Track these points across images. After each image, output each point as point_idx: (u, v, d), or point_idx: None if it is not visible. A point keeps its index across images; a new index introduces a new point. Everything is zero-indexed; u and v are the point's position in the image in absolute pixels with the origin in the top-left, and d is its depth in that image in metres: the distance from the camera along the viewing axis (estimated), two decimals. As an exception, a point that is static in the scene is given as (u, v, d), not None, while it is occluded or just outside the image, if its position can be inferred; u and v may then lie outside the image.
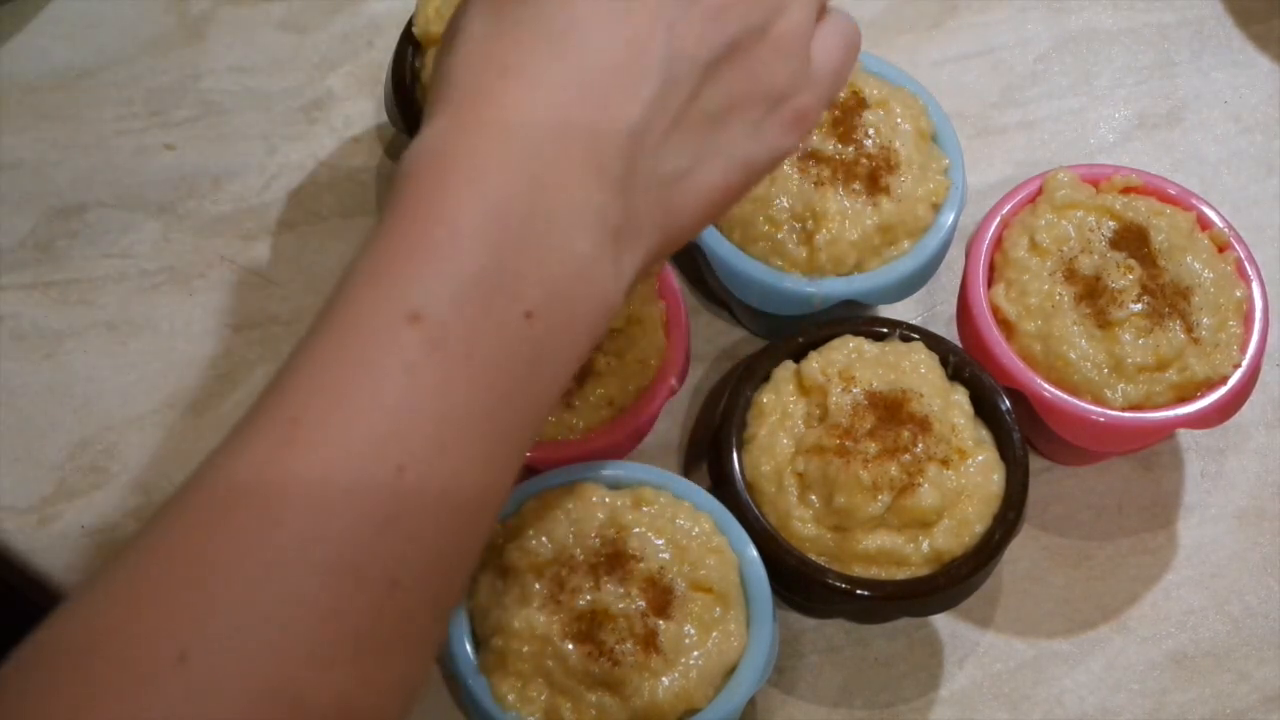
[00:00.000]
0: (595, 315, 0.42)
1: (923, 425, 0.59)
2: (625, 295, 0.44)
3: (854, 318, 0.64)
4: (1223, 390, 0.62)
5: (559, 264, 0.41)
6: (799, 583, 0.58)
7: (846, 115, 0.66)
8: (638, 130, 0.42)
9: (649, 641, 0.54)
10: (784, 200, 0.64)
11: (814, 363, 0.61)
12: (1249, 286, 0.65)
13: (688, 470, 0.67)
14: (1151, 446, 0.68)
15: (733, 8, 0.44)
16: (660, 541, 0.56)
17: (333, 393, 0.38)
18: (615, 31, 0.42)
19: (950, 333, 0.67)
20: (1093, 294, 0.63)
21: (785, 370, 0.62)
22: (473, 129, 0.41)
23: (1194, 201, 0.67)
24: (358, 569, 0.37)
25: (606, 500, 0.57)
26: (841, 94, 0.66)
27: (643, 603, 0.55)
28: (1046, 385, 0.62)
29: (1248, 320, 0.64)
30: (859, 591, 0.57)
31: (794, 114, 0.47)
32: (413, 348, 0.38)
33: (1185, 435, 0.69)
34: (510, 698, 0.54)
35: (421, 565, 0.39)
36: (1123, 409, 0.62)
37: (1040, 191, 0.67)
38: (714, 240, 0.65)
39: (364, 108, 0.75)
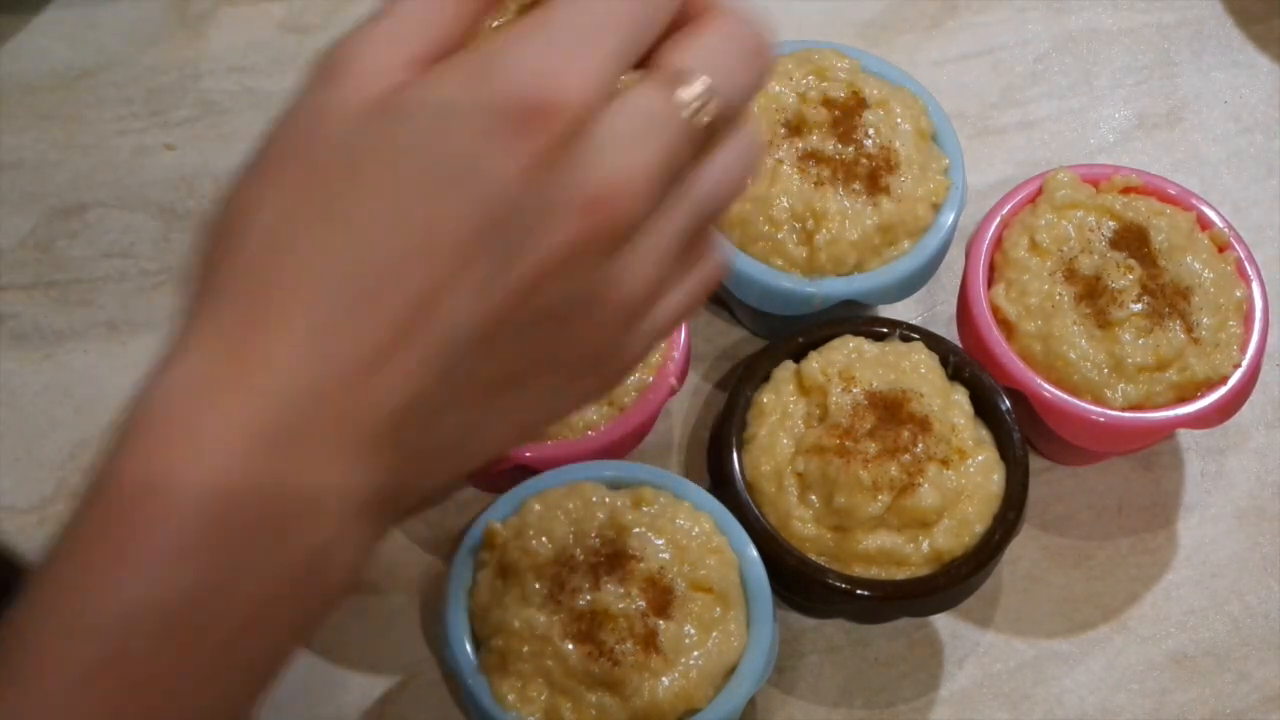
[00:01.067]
0: (327, 597, 0.38)
1: (923, 425, 0.59)
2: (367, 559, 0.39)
3: (854, 318, 0.64)
4: (1223, 390, 0.62)
5: (289, 558, 0.36)
6: (799, 583, 0.58)
7: (846, 115, 0.66)
8: (410, 405, 0.37)
9: (649, 641, 0.54)
10: (784, 200, 0.64)
11: (814, 363, 0.61)
12: (1249, 286, 0.65)
13: (688, 470, 0.67)
14: (1151, 446, 0.68)
15: (554, 279, 0.36)
16: (660, 541, 0.56)
17: None
18: (407, 284, 0.36)
19: (950, 333, 0.67)
20: (1093, 294, 0.63)
21: (785, 370, 0.62)
22: (224, 387, 0.36)
23: (1194, 201, 0.67)
24: None
25: (606, 500, 0.57)
26: (842, 94, 0.66)
27: (643, 603, 0.55)
28: (1046, 385, 0.62)
29: (1248, 320, 0.64)
30: (859, 591, 0.57)
31: (604, 378, 0.41)
32: (86, 662, 0.35)
33: (1185, 435, 0.69)
34: (510, 698, 0.54)
35: None
36: (1123, 409, 0.62)
37: (1040, 191, 0.66)
38: (714, 240, 0.65)
39: (364, 108, 0.75)
